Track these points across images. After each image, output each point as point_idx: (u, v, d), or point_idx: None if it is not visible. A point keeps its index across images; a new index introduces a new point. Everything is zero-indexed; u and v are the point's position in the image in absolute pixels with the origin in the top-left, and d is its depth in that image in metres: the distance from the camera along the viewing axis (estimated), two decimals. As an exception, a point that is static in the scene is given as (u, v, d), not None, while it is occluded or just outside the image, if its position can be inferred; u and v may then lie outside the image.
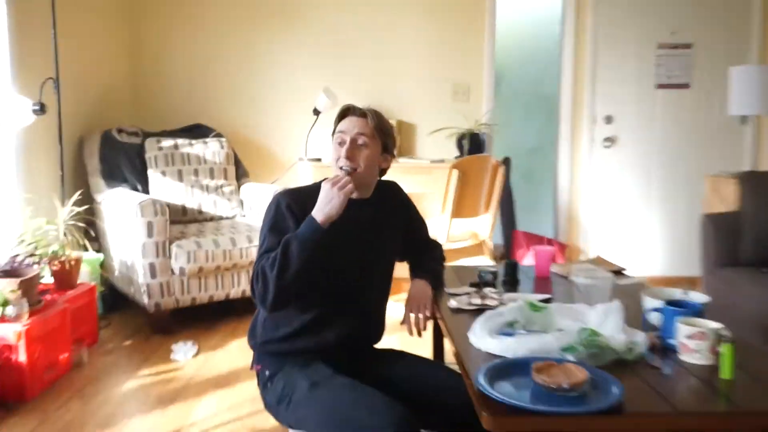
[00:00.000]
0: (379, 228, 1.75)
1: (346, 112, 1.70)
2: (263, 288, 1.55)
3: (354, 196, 1.68)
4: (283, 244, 1.55)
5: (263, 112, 4.43)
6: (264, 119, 4.43)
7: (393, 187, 1.86)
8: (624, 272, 2.14)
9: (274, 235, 1.60)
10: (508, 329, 1.50)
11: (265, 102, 4.42)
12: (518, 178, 4.92)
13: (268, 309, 1.58)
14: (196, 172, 3.86)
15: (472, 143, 4.19)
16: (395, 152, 1.79)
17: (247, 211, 3.95)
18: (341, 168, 1.65)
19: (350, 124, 1.67)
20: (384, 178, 1.80)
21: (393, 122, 4.32)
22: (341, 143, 1.67)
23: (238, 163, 4.10)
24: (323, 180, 1.62)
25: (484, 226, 3.91)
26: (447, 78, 4.38)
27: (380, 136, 1.69)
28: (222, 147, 3.97)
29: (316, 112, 4.18)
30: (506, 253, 4.41)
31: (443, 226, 3.62)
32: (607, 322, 1.47)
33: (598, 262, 2.26)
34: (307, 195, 1.61)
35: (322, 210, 1.55)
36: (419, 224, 1.93)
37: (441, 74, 4.37)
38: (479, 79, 4.38)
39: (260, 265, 1.57)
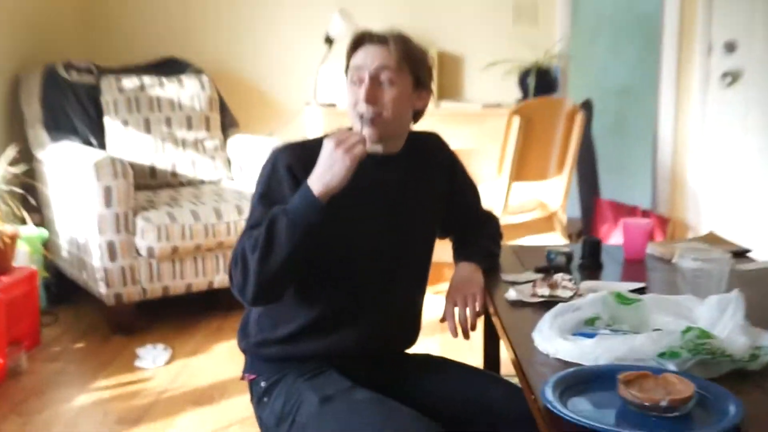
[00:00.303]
0: (413, 194, 1.78)
1: (360, 41, 1.72)
2: (242, 276, 1.58)
3: (377, 149, 1.71)
4: (268, 219, 1.57)
5: (258, 42, 4.46)
6: (259, 51, 4.46)
7: (432, 139, 1.88)
8: (747, 254, 2.14)
9: (264, 206, 1.64)
10: (586, 328, 1.51)
11: (260, 28, 4.45)
12: (603, 129, 4.87)
13: (248, 303, 1.62)
14: (168, 122, 3.90)
15: (541, 81, 4.19)
16: (432, 89, 1.80)
17: (236, 172, 3.99)
18: (361, 116, 1.67)
19: (367, 56, 1.68)
20: (420, 125, 1.82)
21: (432, 53, 4.33)
22: (358, 82, 1.69)
23: (224, 109, 4.13)
24: (329, 134, 1.63)
25: (556, 192, 3.94)
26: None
27: (410, 66, 1.70)
28: (203, 88, 4.01)
29: (329, 42, 4.20)
30: (585, 229, 4.45)
31: (500, 193, 3.64)
32: (722, 320, 1.47)
33: (712, 240, 2.26)
34: (315, 153, 1.62)
35: (321, 178, 1.56)
36: (468, 190, 1.96)
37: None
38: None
39: (241, 245, 1.60)
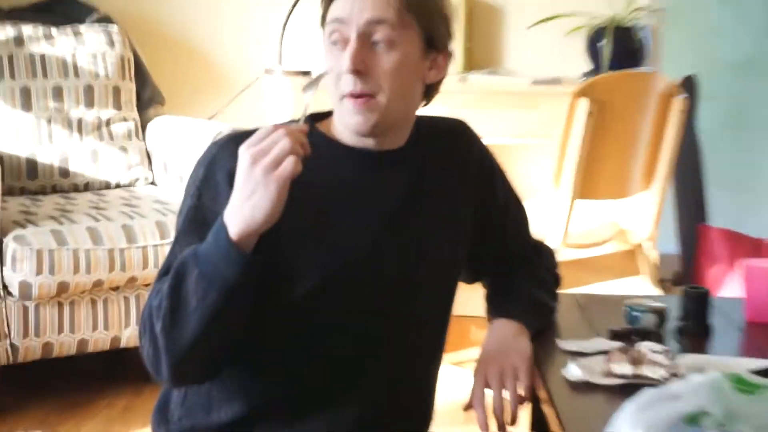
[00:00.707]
0: (422, 211, 1.81)
1: None
2: (152, 348, 1.61)
3: (369, 144, 1.74)
4: (175, 269, 1.59)
5: None
6: None
7: (456, 129, 1.92)
8: None
9: (189, 234, 1.68)
10: (689, 427, 1.48)
11: None
12: (714, 121, 4.86)
13: (168, 383, 1.67)
14: (57, 93, 3.89)
15: (620, 47, 4.20)
16: (452, 51, 1.81)
17: (159, 172, 3.98)
18: (343, 95, 1.69)
19: (353, 3, 1.70)
20: (435, 107, 1.84)
21: (455, 1, 4.31)
22: (340, 43, 1.70)
23: (143, 77, 4.14)
24: (279, 125, 1.60)
25: (642, 216, 3.90)
26: None
27: (418, 18, 1.72)
28: (112, 44, 4.01)
29: None
30: (686, 272, 4.44)
31: (557, 215, 3.62)
32: None
33: None
34: None
35: (238, 212, 1.53)
36: (509, 207, 1.99)
37: None
38: None
39: (149, 302, 1.64)
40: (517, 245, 2.00)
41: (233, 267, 1.52)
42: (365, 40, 1.67)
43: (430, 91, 1.79)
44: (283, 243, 1.63)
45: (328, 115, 1.79)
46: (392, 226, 1.77)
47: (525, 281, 1.96)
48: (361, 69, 1.66)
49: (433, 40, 1.74)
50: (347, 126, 1.71)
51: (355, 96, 1.67)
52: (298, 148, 1.50)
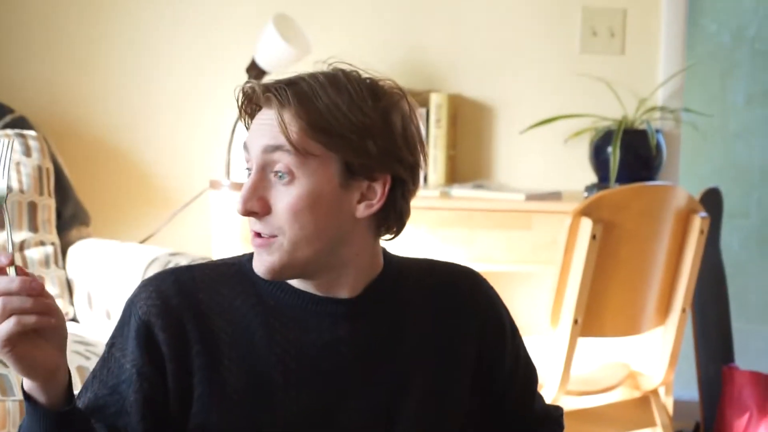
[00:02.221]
0: (399, 375, 1.84)
1: (249, 99, 1.78)
2: None
3: (312, 289, 1.78)
4: None
5: (127, 76, 4.50)
6: (130, 90, 4.49)
7: (460, 281, 1.95)
8: None
9: (96, 381, 1.75)
10: None
11: (132, 52, 4.51)
12: (741, 241, 4.83)
13: None
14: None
15: (630, 155, 4.21)
16: (416, 174, 1.79)
17: (82, 308, 3.93)
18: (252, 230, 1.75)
19: (255, 126, 1.76)
20: (413, 231, 1.88)
21: (437, 100, 4.38)
22: (249, 172, 1.76)
23: (65, 192, 4.09)
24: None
25: (657, 355, 3.87)
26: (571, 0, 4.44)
27: (329, 142, 1.71)
28: (28, 153, 3.97)
29: (256, 75, 4.21)
30: (708, 423, 4.38)
31: (555, 357, 3.58)
32: None
33: None
34: (214, 292, 1.76)
35: None
36: (518, 373, 2.01)
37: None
38: (651, 3, 4.47)
39: None
40: (520, 416, 2.01)
41: (28, 418, 1.60)
42: (266, 171, 1.71)
43: (386, 222, 1.78)
44: (208, 413, 1.71)
45: None
46: (354, 391, 1.78)
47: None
48: (255, 209, 1.69)
49: (354, 167, 1.71)
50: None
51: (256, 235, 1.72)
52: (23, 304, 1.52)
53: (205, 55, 4.47)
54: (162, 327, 1.70)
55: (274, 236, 1.70)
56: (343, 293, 1.78)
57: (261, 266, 1.70)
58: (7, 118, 4.11)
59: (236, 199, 1.72)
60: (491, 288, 1.96)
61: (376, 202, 1.74)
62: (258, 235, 1.71)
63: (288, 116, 1.68)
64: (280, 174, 1.69)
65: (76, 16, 4.47)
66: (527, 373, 2.01)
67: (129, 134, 4.49)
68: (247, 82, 1.76)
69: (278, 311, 1.76)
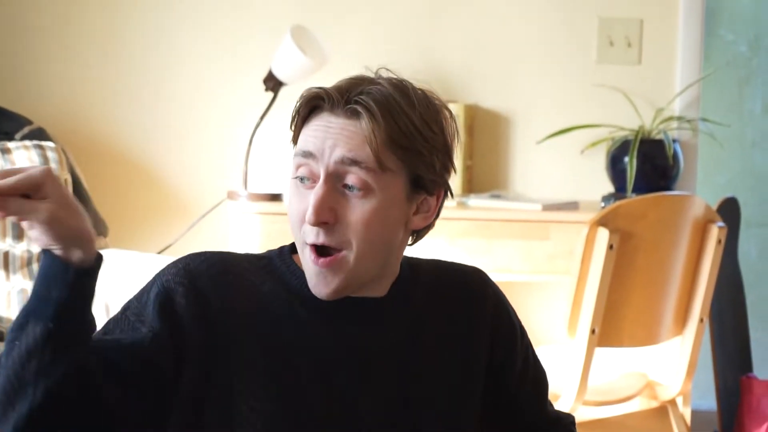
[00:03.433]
0: (418, 374, 1.84)
1: (312, 105, 1.75)
2: None
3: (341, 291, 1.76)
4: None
5: (144, 87, 4.52)
6: (147, 102, 4.51)
7: (471, 278, 1.95)
8: None
9: (101, 335, 1.72)
10: None
11: (149, 63, 4.52)
12: (759, 250, 4.82)
13: None
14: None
15: (647, 165, 4.22)
16: (450, 182, 1.83)
17: (101, 316, 3.82)
18: (305, 242, 1.73)
19: (325, 134, 1.72)
20: (426, 238, 1.87)
21: (454, 108, 4.32)
22: (308, 179, 1.73)
23: (82, 202, 4.00)
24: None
25: (673, 366, 3.87)
26: (587, 9, 4.45)
27: (405, 158, 1.72)
28: (47, 162, 3.97)
29: (273, 86, 4.21)
30: None
31: (572, 367, 3.58)
32: None
33: None
34: (243, 278, 1.77)
35: None
36: (527, 375, 2.01)
37: (572, 1, 4.44)
38: (668, 13, 4.44)
39: None
40: (532, 418, 2.01)
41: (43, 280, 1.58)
42: (336, 181, 1.69)
43: (425, 231, 1.83)
44: (228, 392, 1.70)
45: None
46: (373, 389, 1.77)
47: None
48: (328, 220, 1.67)
49: (422, 182, 1.74)
50: (308, 281, 1.73)
51: (317, 247, 1.69)
52: None
53: (223, 67, 4.47)
54: (184, 294, 1.70)
55: (340, 250, 1.70)
56: (375, 293, 1.79)
57: (326, 288, 1.71)
58: (26, 130, 4.12)
59: (303, 208, 1.70)
60: (498, 287, 1.96)
61: (431, 214, 1.79)
62: (319, 251, 1.70)
63: (371, 129, 1.68)
64: (350, 186, 1.69)
65: (95, 29, 4.49)
66: (536, 374, 2.01)
67: (147, 145, 4.49)
68: (318, 87, 1.74)
69: (305, 305, 1.76)
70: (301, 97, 1.74)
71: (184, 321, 1.69)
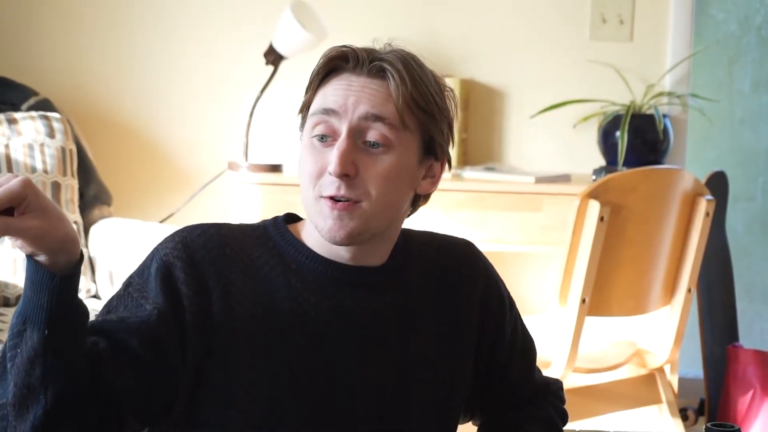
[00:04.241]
0: (413, 342, 1.81)
1: (334, 63, 1.74)
2: None
3: (343, 257, 1.75)
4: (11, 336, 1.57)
5: (150, 61, 4.53)
6: (151, 76, 4.53)
7: (460, 250, 1.93)
8: None
9: (104, 315, 1.70)
10: None
11: (155, 39, 4.53)
12: (747, 223, 4.82)
13: None
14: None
15: (638, 139, 4.22)
16: (450, 158, 1.84)
17: (104, 283, 3.96)
18: (321, 196, 1.69)
19: (348, 92, 1.71)
20: (422, 209, 1.86)
21: (450, 83, 4.31)
22: (328, 135, 1.71)
23: (88, 173, 4.12)
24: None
25: (661, 335, 3.90)
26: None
27: (421, 119, 1.73)
28: (52, 134, 4.00)
29: (274, 59, 4.20)
30: (712, 401, 4.38)
31: (563, 336, 3.59)
32: None
33: None
34: (239, 249, 1.74)
35: None
36: (516, 345, 1.98)
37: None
38: None
39: None
40: (521, 386, 1.98)
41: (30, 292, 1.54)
42: (357, 137, 1.68)
43: (417, 201, 1.81)
44: (226, 364, 1.67)
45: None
46: (369, 358, 1.76)
47: (526, 421, 1.95)
48: (350, 173, 1.66)
49: (433, 146, 1.75)
50: (320, 230, 1.69)
51: (336, 200, 1.67)
52: None
53: (225, 40, 4.46)
54: (183, 269, 1.68)
55: (358, 201, 1.68)
56: (374, 262, 1.77)
57: (341, 230, 1.67)
58: (32, 101, 4.14)
59: (324, 160, 1.68)
60: (487, 259, 1.94)
61: (436, 180, 1.80)
62: (337, 201, 1.67)
63: (397, 88, 1.68)
64: (372, 142, 1.68)
65: (100, 2, 4.52)
66: (525, 344, 1.98)
67: (150, 117, 4.46)
68: (338, 49, 1.73)
69: (301, 275, 1.73)
70: (324, 55, 1.73)
71: (183, 294, 1.67)
